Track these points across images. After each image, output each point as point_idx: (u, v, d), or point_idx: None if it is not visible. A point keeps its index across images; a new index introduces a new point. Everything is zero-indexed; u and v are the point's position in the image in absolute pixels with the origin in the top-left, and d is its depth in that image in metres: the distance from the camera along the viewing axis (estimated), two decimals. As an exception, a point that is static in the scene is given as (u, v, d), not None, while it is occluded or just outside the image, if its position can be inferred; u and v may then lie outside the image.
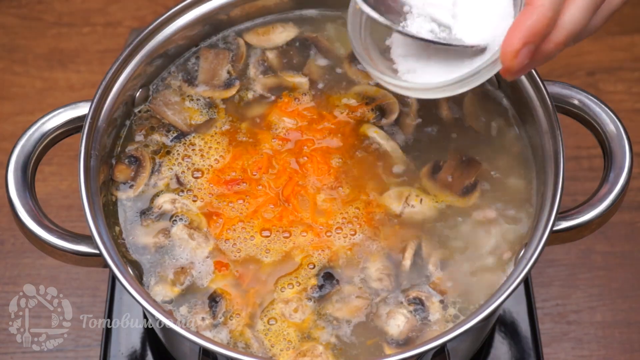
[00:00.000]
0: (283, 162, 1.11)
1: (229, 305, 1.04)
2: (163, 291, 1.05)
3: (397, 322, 1.03)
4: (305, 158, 1.11)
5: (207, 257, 1.07)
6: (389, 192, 1.09)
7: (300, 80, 1.17)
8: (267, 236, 1.07)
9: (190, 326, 1.03)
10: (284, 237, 1.07)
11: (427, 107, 1.15)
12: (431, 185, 1.09)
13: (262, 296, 1.05)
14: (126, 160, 1.12)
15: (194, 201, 1.09)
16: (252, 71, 1.18)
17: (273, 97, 1.16)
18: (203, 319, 1.04)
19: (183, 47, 1.18)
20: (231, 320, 1.04)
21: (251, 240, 1.07)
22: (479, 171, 1.10)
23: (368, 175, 1.11)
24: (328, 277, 1.05)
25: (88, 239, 1.04)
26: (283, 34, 1.19)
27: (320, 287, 1.05)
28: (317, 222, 1.08)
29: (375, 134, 1.12)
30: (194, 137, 1.13)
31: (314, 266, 1.06)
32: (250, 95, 1.16)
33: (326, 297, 1.04)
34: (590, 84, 1.51)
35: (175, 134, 1.14)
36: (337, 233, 1.07)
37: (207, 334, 1.03)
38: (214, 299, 1.04)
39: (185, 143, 1.13)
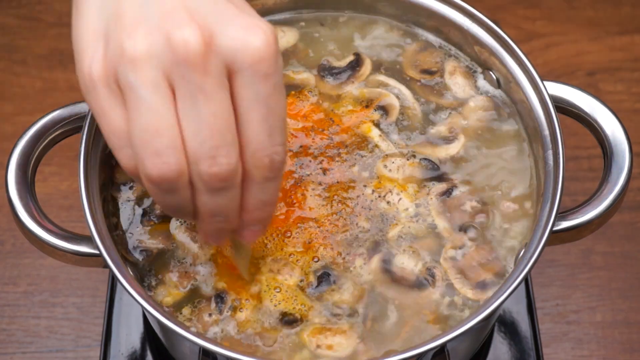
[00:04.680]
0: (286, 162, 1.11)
1: (234, 300, 1.04)
2: (165, 293, 1.05)
3: (402, 260, 1.05)
4: (309, 159, 1.11)
5: (210, 260, 1.07)
6: (386, 190, 1.10)
7: (307, 76, 1.17)
8: (270, 236, 1.07)
9: (196, 324, 1.03)
10: (286, 237, 1.07)
11: (428, 104, 1.15)
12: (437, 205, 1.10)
13: (265, 286, 1.05)
14: (126, 161, 1.12)
15: (194, 201, 1.09)
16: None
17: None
18: (210, 315, 1.04)
19: (183, 47, 1.17)
20: (241, 312, 1.04)
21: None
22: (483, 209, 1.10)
23: (368, 174, 1.11)
24: (325, 276, 1.05)
25: (88, 239, 1.04)
26: (283, 40, 1.19)
27: (317, 285, 1.05)
28: (321, 223, 1.08)
29: (375, 133, 1.12)
30: (194, 137, 1.13)
31: (318, 259, 1.06)
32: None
33: (324, 292, 1.05)
34: (590, 84, 1.51)
35: (175, 134, 1.13)
36: (339, 232, 1.07)
37: (215, 329, 1.03)
38: (219, 296, 1.04)
39: (185, 143, 1.13)
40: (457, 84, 1.16)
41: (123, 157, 0.87)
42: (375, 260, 1.06)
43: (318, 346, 1.02)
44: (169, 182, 0.85)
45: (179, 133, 0.84)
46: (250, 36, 0.84)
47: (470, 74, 1.17)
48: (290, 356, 1.02)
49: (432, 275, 1.05)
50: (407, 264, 1.06)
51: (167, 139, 0.83)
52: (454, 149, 1.12)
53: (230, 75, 0.85)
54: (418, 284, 1.05)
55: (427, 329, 1.03)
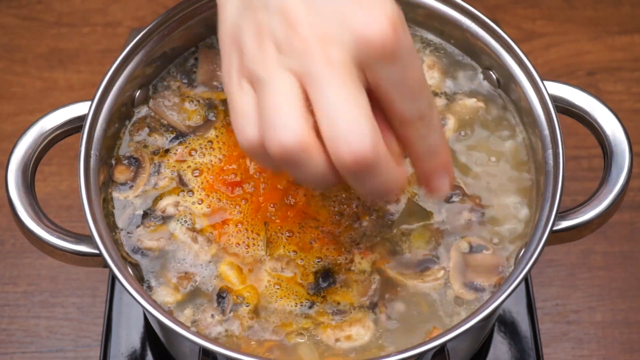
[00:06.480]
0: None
1: (237, 299, 1.04)
2: (165, 294, 1.05)
3: (407, 244, 1.06)
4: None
5: (210, 261, 1.07)
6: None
7: None
8: (272, 235, 1.07)
9: (199, 325, 1.03)
10: (287, 236, 1.07)
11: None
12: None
13: (265, 285, 1.05)
14: (126, 161, 1.12)
15: (194, 204, 1.09)
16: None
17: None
18: (212, 315, 1.04)
19: (182, 47, 1.17)
20: (246, 306, 1.04)
21: (256, 238, 1.07)
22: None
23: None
24: (328, 276, 1.05)
25: (88, 239, 1.04)
26: None
27: (319, 285, 1.05)
28: (322, 222, 1.08)
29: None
30: (193, 138, 1.13)
31: (321, 259, 1.06)
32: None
33: (324, 291, 1.05)
34: (590, 84, 1.51)
35: (174, 135, 1.13)
36: (341, 230, 1.07)
37: (219, 328, 1.03)
38: (220, 295, 1.04)
39: (184, 144, 1.13)
40: (434, 78, 1.16)
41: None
42: (379, 249, 1.06)
43: (337, 340, 1.02)
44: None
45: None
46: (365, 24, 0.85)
47: (447, 72, 1.17)
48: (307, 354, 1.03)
49: (438, 257, 1.05)
50: (412, 245, 1.06)
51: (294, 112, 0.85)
52: (446, 132, 1.12)
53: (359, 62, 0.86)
54: (423, 265, 1.05)
55: (433, 316, 1.04)
